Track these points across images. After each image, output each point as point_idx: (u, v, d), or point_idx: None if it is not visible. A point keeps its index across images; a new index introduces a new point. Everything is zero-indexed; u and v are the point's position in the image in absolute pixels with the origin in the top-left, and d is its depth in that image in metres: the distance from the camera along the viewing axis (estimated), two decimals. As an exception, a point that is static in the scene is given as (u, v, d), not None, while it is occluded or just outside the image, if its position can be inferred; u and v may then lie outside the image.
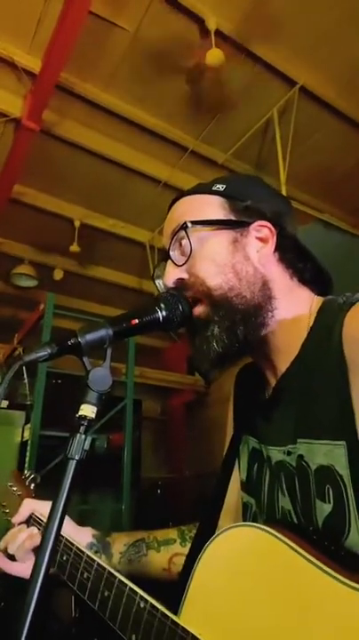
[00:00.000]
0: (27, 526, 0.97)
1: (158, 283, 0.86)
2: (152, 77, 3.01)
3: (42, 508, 0.98)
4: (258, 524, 0.60)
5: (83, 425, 0.63)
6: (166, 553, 0.95)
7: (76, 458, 0.61)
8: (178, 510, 4.86)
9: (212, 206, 0.80)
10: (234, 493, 0.87)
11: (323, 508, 0.61)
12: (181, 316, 0.76)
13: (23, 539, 0.93)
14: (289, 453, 0.69)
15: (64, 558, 0.86)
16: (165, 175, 3.78)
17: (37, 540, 0.92)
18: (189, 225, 0.77)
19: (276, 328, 0.75)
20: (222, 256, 0.76)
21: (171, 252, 0.81)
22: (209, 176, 3.71)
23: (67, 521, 0.94)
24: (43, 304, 3.90)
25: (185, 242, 0.78)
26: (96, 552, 0.93)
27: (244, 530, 0.62)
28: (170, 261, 0.81)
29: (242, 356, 0.79)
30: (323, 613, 0.51)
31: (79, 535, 0.94)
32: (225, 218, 0.79)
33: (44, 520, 0.95)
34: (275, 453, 0.73)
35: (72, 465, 0.61)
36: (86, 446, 0.63)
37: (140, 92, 3.12)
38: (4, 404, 4.45)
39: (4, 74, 2.95)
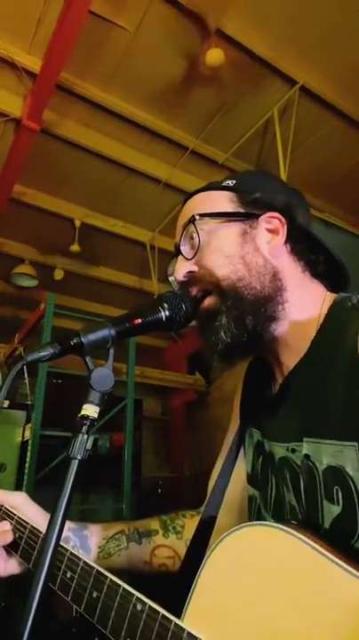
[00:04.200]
0: None
1: (171, 279, 0.86)
2: (152, 77, 3.01)
3: (11, 499, 0.91)
4: (273, 523, 0.57)
5: (85, 425, 0.63)
6: (148, 545, 0.91)
7: (78, 457, 0.61)
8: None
9: (221, 200, 0.80)
10: (236, 486, 0.85)
11: (332, 510, 0.60)
12: (184, 316, 0.76)
13: None
14: (293, 451, 0.68)
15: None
16: (165, 175, 3.78)
17: (10, 537, 0.85)
18: (197, 217, 0.78)
19: (286, 323, 0.75)
20: (231, 247, 0.76)
21: (181, 247, 0.81)
22: (209, 176, 3.72)
23: (40, 513, 0.89)
24: (44, 304, 3.90)
25: (194, 235, 0.79)
26: (73, 547, 0.87)
27: (258, 529, 0.59)
28: (180, 256, 0.81)
29: (250, 349, 0.78)
30: (344, 613, 0.49)
31: None
32: (233, 210, 0.79)
33: (16, 513, 0.89)
34: (278, 449, 0.72)
35: (74, 464, 0.61)
36: (88, 446, 0.63)
37: (140, 91, 3.12)
38: (5, 403, 4.45)
39: (4, 74, 2.95)
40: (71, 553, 0.76)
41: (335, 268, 0.80)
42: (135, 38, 2.75)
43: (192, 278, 0.79)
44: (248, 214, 0.78)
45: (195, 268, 0.79)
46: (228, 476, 0.86)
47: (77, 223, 4.22)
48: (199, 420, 6.06)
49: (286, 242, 0.78)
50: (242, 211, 0.78)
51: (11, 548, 0.87)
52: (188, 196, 0.87)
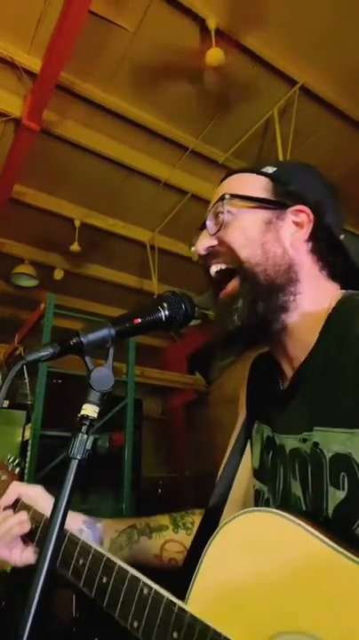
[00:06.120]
0: (14, 511, 0.94)
1: (192, 249, 0.88)
2: (152, 77, 3.01)
3: (29, 491, 0.96)
4: (272, 509, 0.60)
5: (85, 424, 0.63)
6: (158, 539, 0.94)
7: (78, 457, 0.62)
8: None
9: (255, 185, 0.82)
10: (241, 480, 0.86)
11: (336, 495, 0.61)
12: (184, 316, 0.76)
13: (11, 524, 0.90)
14: (304, 441, 0.69)
15: None
16: (165, 175, 3.78)
17: (27, 527, 0.90)
18: (227, 197, 0.80)
19: (296, 315, 0.76)
20: (253, 232, 0.78)
21: (207, 222, 0.83)
22: (209, 176, 3.71)
23: None
24: (44, 304, 3.91)
25: (220, 214, 0.81)
26: (86, 539, 0.89)
27: (258, 514, 0.61)
28: (204, 230, 0.83)
29: (258, 336, 0.79)
30: (340, 595, 0.50)
31: (70, 520, 0.90)
32: (263, 197, 0.81)
33: (33, 504, 0.93)
34: (290, 441, 0.73)
35: (74, 464, 0.61)
36: (88, 446, 0.63)
37: (140, 91, 3.12)
38: (5, 403, 4.45)
39: (4, 74, 2.95)
40: (83, 542, 0.80)
41: (353, 273, 0.81)
42: (135, 38, 2.75)
43: (211, 252, 0.82)
44: (277, 203, 0.79)
45: (215, 242, 0.81)
46: (234, 470, 0.87)
47: (77, 223, 4.22)
48: (199, 420, 6.06)
49: (309, 238, 0.79)
50: (272, 199, 0.80)
51: (28, 538, 0.91)
52: (228, 173, 0.89)
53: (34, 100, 2.97)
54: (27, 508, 0.93)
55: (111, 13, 2.61)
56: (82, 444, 0.62)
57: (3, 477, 1.05)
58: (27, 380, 4.11)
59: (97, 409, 0.64)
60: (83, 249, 4.32)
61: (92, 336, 0.67)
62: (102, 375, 0.65)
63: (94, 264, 5.00)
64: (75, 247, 4.26)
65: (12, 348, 4.68)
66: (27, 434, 3.91)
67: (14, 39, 2.77)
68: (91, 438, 0.64)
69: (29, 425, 3.72)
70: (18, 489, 0.96)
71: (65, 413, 3.61)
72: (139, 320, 0.72)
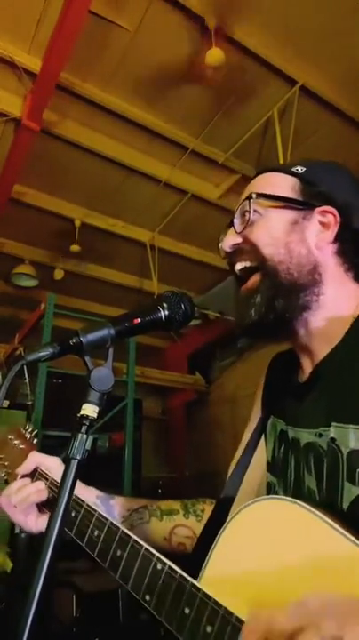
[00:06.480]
0: (32, 480, 0.98)
1: (220, 246, 0.89)
2: (152, 77, 3.01)
3: (47, 462, 0.99)
4: (288, 498, 0.60)
5: (84, 424, 0.63)
6: (168, 523, 0.96)
7: (78, 457, 0.62)
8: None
9: (283, 185, 0.82)
10: (255, 472, 0.88)
11: (352, 491, 0.62)
12: (184, 316, 0.77)
13: (30, 492, 0.94)
14: (320, 435, 0.70)
15: (73, 514, 0.85)
16: (165, 175, 3.78)
17: (44, 496, 0.94)
18: (254, 196, 0.81)
19: (319, 314, 0.77)
20: (278, 232, 0.79)
21: (234, 220, 0.84)
22: (209, 176, 3.68)
23: None
24: (44, 304, 3.91)
25: (247, 212, 0.82)
26: None
27: (274, 502, 0.62)
28: (232, 228, 0.85)
29: (275, 331, 0.80)
30: (356, 586, 0.51)
31: (84, 494, 0.94)
32: (290, 197, 0.81)
33: (50, 475, 0.96)
34: (305, 435, 0.74)
35: (74, 464, 0.61)
36: (88, 446, 0.63)
37: (140, 91, 3.12)
38: (5, 403, 4.45)
39: (4, 74, 2.95)
40: (99, 514, 0.82)
41: None
42: (135, 38, 2.75)
43: (237, 250, 0.84)
44: (304, 203, 0.80)
45: (240, 240, 0.82)
46: (248, 462, 0.88)
47: (77, 223, 4.22)
48: (199, 420, 6.06)
49: (335, 239, 0.79)
50: (300, 199, 0.80)
51: (44, 506, 0.96)
52: (259, 171, 0.89)
53: (34, 100, 2.97)
54: (44, 477, 0.97)
55: (111, 13, 2.61)
56: (82, 443, 0.62)
57: (22, 446, 1.07)
58: (27, 380, 4.11)
59: (97, 409, 0.64)
60: (83, 249, 4.32)
61: (92, 336, 0.67)
62: (102, 375, 0.65)
63: (94, 264, 5.00)
64: (75, 247, 4.27)
65: (12, 348, 4.68)
66: (27, 434, 3.91)
67: (14, 39, 2.77)
68: (91, 438, 0.64)
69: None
70: (36, 458, 1.00)
71: (65, 413, 3.61)
72: (139, 320, 0.73)
